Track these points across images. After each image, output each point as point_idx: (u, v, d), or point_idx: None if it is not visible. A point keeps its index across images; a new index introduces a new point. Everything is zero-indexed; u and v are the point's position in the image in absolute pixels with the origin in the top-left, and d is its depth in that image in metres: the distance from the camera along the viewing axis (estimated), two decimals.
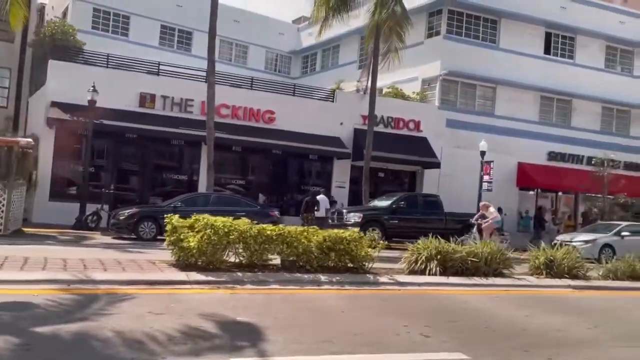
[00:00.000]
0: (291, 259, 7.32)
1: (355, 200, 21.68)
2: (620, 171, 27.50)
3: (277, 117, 21.20)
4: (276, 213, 16.27)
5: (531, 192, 26.61)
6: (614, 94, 27.34)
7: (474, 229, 16.16)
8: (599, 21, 26.87)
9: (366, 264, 7.95)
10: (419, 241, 9.28)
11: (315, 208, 18.52)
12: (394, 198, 18.44)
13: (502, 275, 8.92)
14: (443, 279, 8.11)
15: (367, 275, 7.75)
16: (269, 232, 7.16)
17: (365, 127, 22.49)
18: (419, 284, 7.89)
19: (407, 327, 5.33)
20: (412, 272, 8.40)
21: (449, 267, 8.45)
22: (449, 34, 24.40)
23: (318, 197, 18.85)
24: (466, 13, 24.66)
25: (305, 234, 7.39)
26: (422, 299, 7.13)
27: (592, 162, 24.07)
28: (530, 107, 26.07)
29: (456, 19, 24.62)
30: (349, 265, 7.70)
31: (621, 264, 9.82)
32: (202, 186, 18.97)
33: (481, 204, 17.33)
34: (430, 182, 23.86)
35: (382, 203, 18.54)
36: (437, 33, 24.68)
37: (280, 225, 7.74)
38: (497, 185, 24.93)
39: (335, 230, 7.71)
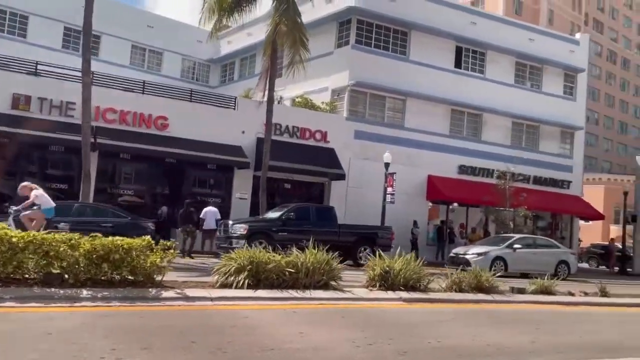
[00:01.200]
0: (56, 271, 6.26)
1: (256, 212, 20.74)
2: (529, 185, 27.89)
3: (170, 123, 20.05)
4: (150, 225, 15.07)
5: (445, 205, 26.47)
6: (523, 109, 27.76)
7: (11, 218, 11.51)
8: (508, 38, 27.31)
9: (156, 276, 6.95)
10: (235, 251, 8.36)
11: (202, 219, 17.44)
12: (285, 209, 17.57)
13: (327, 287, 8.15)
14: (250, 293, 7.22)
15: (151, 289, 6.75)
16: (14, 240, 6.06)
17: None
18: (225, 299, 6.96)
19: (115, 350, 4.37)
20: (224, 285, 7.47)
21: (263, 279, 7.59)
22: (357, 44, 24.05)
23: (206, 209, 17.78)
24: (376, 24, 24.42)
25: (71, 242, 6.33)
26: (193, 316, 6.20)
27: (495, 175, 24.13)
28: (441, 120, 26.01)
29: (365, 29, 24.32)
30: (129, 277, 6.68)
31: (467, 275, 9.27)
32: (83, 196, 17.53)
33: (21, 185, 11.99)
34: (338, 195, 23.27)
35: (273, 215, 17.64)
36: (347, 43, 24.30)
37: (39, 233, 6.62)
38: (408, 198, 24.68)
39: (112, 238, 6.68)
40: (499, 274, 10.70)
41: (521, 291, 10.09)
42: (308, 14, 25.84)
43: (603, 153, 70.78)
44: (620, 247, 27.75)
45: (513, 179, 22.82)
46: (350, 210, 22.67)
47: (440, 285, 9.03)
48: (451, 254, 18.58)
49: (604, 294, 10.95)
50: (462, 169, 26.16)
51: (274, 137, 21.86)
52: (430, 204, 25.73)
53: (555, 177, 28.60)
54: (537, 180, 28.13)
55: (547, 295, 10.19)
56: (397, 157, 24.35)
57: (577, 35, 31.84)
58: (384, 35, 24.74)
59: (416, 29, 25.11)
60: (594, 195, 37.82)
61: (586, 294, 11.05)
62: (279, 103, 25.89)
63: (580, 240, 32.10)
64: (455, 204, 25.40)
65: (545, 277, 10.90)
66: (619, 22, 73.09)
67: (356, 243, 17.81)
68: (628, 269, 26.98)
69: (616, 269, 27.70)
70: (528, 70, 28.57)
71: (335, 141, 23.13)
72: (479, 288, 9.08)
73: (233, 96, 22.83)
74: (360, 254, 17.73)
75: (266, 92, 19.37)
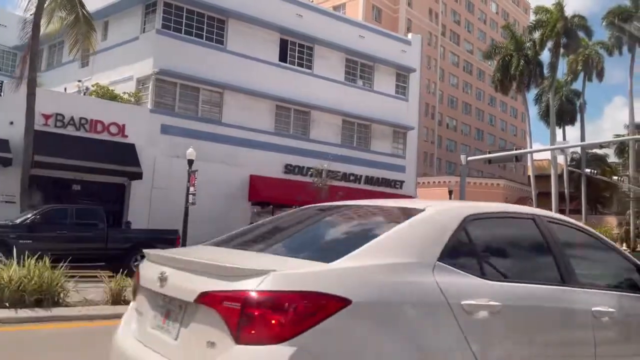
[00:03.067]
0: None
1: None
2: (361, 185, 27.18)
3: None
4: None
5: (270, 207, 24.82)
6: (354, 107, 27.07)
7: None
8: (337, 33, 26.47)
9: None
10: None
11: None
12: (33, 212, 14.64)
13: None
14: None
15: None
16: None
17: (48, 129, 18.67)
18: None
19: None
20: None
21: None
22: (165, 29, 21.69)
23: None
24: (187, 8, 22.24)
25: None
26: None
27: (310, 173, 22.96)
28: (266, 117, 24.41)
29: (175, 13, 22.05)
30: None
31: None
32: None
33: None
34: (141, 196, 20.66)
35: (20, 219, 14.62)
36: (153, 28, 21.84)
37: None
38: (227, 200, 22.72)
39: None
40: None
41: None
42: None
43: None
44: None
45: (329, 177, 21.66)
46: (156, 214, 20.19)
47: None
48: None
49: None
50: (289, 168, 24.74)
51: (54, 130, 18.90)
52: (253, 206, 23.97)
53: (387, 177, 28.25)
54: (370, 180, 27.57)
55: None
56: (215, 154, 22.39)
57: (409, 36, 32.07)
58: (197, 22, 22.62)
59: (234, 17, 23.30)
60: (430, 196, 38.65)
61: None
62: (84, 94, 22.85)
63: None
64: (258, 207, 23.80)
65: None
66: (474, 35, 77.88)
67: (130, 250, 15.34)
68: None
69: None
70: (359, 68, 27.99)
71: (136, 136, 20.52)
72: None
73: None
74: (136, 263, 15.32)
75: (26, 73, 16.36)
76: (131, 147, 20.29)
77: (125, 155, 20.04)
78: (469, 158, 27.54)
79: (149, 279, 2.73)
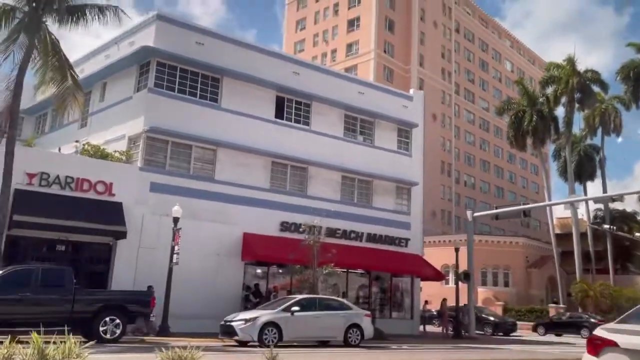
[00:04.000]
0: None
1: None
2: (362, 243, 26.11)
3: None
4: None
5: (262, 267, 23.79)
6: (354, 163, 26.45)
7: None
8: (335, 90, 26.29)
9: None
10: None
11: None
12: None
13: None
14: None
15: None
16: None
17: (32, 188, 18.45)
18: None
19: None
20: None
21: None
22: (157, 88, 21.72)
23: None
24: (180, 67, 22.34)
25: None
26: None
27: (300, 229, 22.03)
28: (260, 173, 23.88)
29: (168, 72, 22.14)
30: None
31: None
32: None
33: None
34: (128, 257, 19.98)
35: None
36: (146, 86, 21.93)
37: None
38: (219, 259, 21.95)
39: None
40: (271, 343, 7.88)
41: None
42: (113, 57, 23.61)
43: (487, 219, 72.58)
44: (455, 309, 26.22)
45: (320, 234, 20.68)
46: (142, 274, 19.38)
47: None
48: (222, 322, 15.67)
49: None
50: (285, 226, 23.89)
51: (38, 189, 18.64)
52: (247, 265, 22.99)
53: (391, 235, 27.10)
54: (372, 238, 26.47)
55: None
56: (207, 213, 21.82)
57: (411, 91, 31.76)
58: (191, 80, 22.67)
59: (229, 76, 23.32)
60: (440, 255, 37.07)
61: None
62: (80, 154, 22.79)
63: (426, 302, 30.48)
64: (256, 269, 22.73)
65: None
66: (490, 92, 77.86)
67: (98, 313, 14.47)
68: (464, 332, 25.34)
69: (451, 331, 26.00)
70: (359, 124, 27.56)
71: (125, 194, 20.09)
72: None
73: None
74: (105, 327, 14.42)
75: (6, 131, 16.27)
76: (118, 206, 19.83)
77: (111, 214, 19.55)
78: (475, 214, 26.32)
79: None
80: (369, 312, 17.72)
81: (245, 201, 22.94)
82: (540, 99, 47.51)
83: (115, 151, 21.19)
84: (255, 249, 22.21)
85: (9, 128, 16.27)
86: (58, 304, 14.09)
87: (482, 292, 45.51)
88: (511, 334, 31.78)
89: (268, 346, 12.44)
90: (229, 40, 24.02)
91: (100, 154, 21.02)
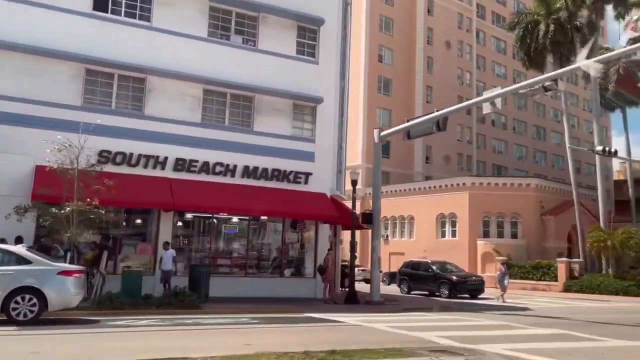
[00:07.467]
0: None
1: None
2: (234, 179, 19.48)
3: None
4: None
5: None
6: (226, 73, 19.64)
7: None
8: None
9: None
10: None
11: None
12: None
13: None
14: None
15: None
16: None
17: None
18: None
19: None
20: None
21: None
22: None
23: None
24: None
25: None
26: None
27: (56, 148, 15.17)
28: (70, 85, 17.62)
29: None
30: None
31: None
32: None
33: None
34: None
35: None
36: None
37: None
38: (3, 200, 16.15)
39: None
40: None
41: None
42: None
43: (515, 160, 62.74)
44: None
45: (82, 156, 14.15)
46: None
47: None
48: None
49: None
50: (106, 157, 17.61)
51: None
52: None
53: (282, 168, 20.19)
54: (252, 172, 19.71)
55: None
56: None
57: None
58: None
59: None
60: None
61: None
62: None
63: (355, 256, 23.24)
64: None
65: None
66: None
67: None
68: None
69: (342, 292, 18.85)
70: (234, 20, 20.40)
71: None
72: None
73: None
74: None
75: None
76: None
77: None
78: (383, 133, 18.78)
79: None
80: (70, 269, 11.17)
81: (42, 123, 16.79)
82: (559, 3, 37.33)
83: None
84: (48, 185, 16.08)
85: None
86: None
87: (481, 246, 37.43)
88: (478, 296, 24.31)
89: None
90: None
91: None
